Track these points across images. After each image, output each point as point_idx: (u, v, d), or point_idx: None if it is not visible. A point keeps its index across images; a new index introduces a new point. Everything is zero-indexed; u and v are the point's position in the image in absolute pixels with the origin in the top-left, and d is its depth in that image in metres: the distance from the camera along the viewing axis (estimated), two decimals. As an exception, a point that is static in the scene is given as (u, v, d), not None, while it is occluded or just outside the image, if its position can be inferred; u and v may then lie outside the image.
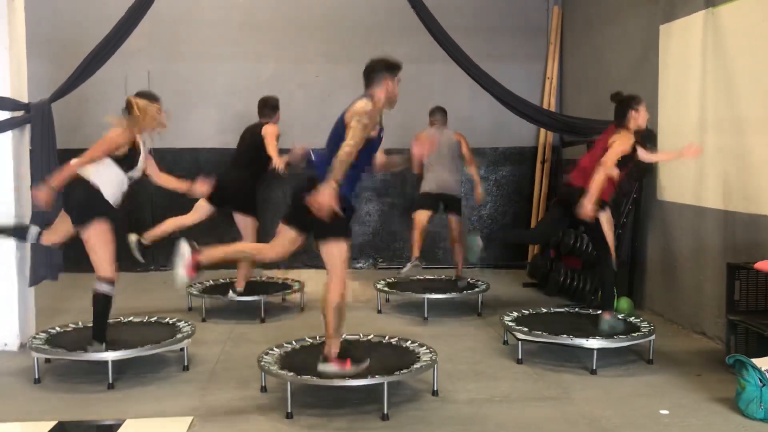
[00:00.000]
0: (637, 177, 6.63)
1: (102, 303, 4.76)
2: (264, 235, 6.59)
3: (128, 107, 4.75)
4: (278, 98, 6.88)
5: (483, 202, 7.60)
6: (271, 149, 6.48)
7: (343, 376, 4.21)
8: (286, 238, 4.41)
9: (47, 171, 5.48)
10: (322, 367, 4.26)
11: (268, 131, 6.54)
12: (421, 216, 7.07)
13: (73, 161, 4.70)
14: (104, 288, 4.73)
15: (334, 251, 4.22)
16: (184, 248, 4.39)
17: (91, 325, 4.79)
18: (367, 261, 9.04)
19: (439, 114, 7.21)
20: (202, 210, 6.56)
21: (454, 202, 7.12)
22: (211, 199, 6.48)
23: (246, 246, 4.42)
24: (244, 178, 6.59)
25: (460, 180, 7.29)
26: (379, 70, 4.35)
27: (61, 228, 4.93)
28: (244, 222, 6.57)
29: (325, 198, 3.95)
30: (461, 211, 7.26)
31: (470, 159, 7.20)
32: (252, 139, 6.63)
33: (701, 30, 5.79)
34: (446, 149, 7.04)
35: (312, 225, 4.27)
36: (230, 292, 6.64)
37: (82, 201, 4.73)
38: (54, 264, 5.57)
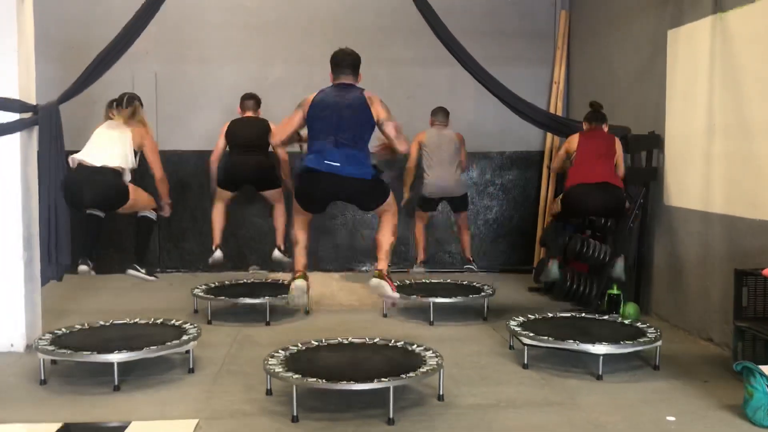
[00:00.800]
0: (644, 182, 6.62)
1: (150, 224, 5.98)
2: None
3: (133, 109, 6.02)
4: None
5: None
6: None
7: (391, 298, 5.09)
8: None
9: (55, 173, 5.50)
10: (377, 282, 4.95)
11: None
12: (420, 219, 7.32)
13: (159, 176, 6.11)
14: (151, 213, 5.94)
15: (392, 201, 5.21)
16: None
17: (136, 246, 5.95)
18: (372, 263, 9.02)
19: (441, 114, 7.38)
20: (226, 198, 7.40)
21: (459, 200, 7.39)
22: (228, 187, 7.35)
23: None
24: (264, 160, 7.32)
25: (461, 177, 7.62)
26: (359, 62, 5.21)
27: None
28: (272, 194, 7.42)
29: None
30: (468, 205, 7.69)
31: (464, 165, 7.66)
32: (260, 132, 7.25)
33: (709, 35, 5.78)
34: (446, 149, 7.18)
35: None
36: (276, 251, 7.36)
37: (120, 185, 5.77)
38: (59, 264, 5.58)
